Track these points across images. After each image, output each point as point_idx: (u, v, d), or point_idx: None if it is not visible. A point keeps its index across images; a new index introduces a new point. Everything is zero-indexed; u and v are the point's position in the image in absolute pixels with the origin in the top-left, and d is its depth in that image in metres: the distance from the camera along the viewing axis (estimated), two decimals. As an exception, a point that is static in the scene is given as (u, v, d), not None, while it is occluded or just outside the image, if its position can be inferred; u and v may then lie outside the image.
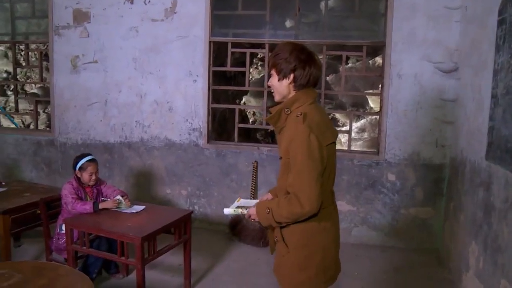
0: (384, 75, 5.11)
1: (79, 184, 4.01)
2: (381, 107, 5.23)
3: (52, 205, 4.13)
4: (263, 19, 5.43)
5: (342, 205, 5.21)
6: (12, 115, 9.42)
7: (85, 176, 3.99)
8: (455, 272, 4.33)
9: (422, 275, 4.58)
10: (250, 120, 10.10)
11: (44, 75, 6.60)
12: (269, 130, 7.93)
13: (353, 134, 6.93)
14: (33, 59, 9.65)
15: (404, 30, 4.96)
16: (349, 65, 9.85)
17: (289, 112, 2.25)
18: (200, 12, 5.40)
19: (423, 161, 5.11)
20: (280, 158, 2.28)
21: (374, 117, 9.03)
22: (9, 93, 10.47)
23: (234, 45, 5.53)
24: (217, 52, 5.71)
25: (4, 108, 8.15)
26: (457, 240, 4.36)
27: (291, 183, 2.16)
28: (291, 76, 2.25)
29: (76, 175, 4.02)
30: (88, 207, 3.78)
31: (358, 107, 9.78)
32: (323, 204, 2.21)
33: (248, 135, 8.21)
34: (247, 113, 9.95)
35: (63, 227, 3.83)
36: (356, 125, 9.57)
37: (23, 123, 10.00)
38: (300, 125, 2.14)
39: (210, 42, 5.43)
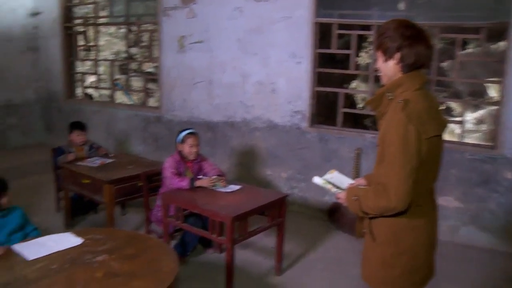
0: (507, 60, 4.58)
1: (181, 158, 4.09)
2: (501, 97, 4.71)
3: (153, 179, 4.28)
4: (371, -1, 5.14)
5: (449, 201, 4.80)
6: (130, 92, 10.03)
7: (185, 149, 4.06)
8: None
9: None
10: (359, 106, 9.76)
11: (156, 54, 6.87)
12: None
13: (469, 125, 6.36)
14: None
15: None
16: (469, 50, 9.09)
17: (391, 97, 2.04)
18: (305, -8, 5.24)
19: (548, 158, 4.53)
20: (377, 145, 2.09)
21: (495, 107, 8.25)
22: (129, 71, 11.11)
23: (341, 26, 5.29)
24: (324, 34, 5.51)
25: (123, 85, 8.68)
26: None
27: (381, 174, 1.99)
28: (397, 55, 2.03)
29: (178, 148, 4.10)
30: (185, 183, 3.85)
31: (476, 96, 9.01)
32: (417, 201, 2.00)
33: (356, 121, 7.92)
34: (355, 98, 9.63)
35: None
36: (473, 115, 8.83)
37: (141, 100, 10.58)
38: (398, 113, 1.93)
39: (314, 23, 5.25)
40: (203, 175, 4.13)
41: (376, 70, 2.20)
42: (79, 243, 2.75)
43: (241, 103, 5.81)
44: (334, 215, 5.20)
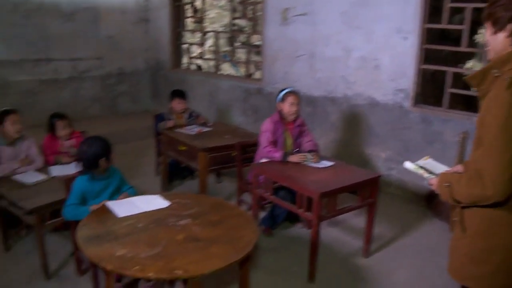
0: None
1: (280, 118, 4.05)
2: None
3: (248, 149, 4.34)
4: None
5: None
6: (236, 64, 10.23)
7: (285, 107, 4.01)
8: None
9: None
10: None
11: (261, 27, 6.89)
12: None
13: None
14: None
15: None
16: None
17: (498, 74, 1.80)
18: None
19: None
20: (476, 128, 1.91)
21: None
22: (236, 44, 11.30)
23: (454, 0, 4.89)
24: (435, 8, 5.14)
25: (230, 57, 8.86)
26: None
27: (477, 159, 1.82)
28: (509, 26, 1.80)
29: (278, 108, 4.08)
30: (277, 155, 3.86)
31: None
32: None
33: (467, 104, 7.38)
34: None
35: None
36: None
37: (246, 72, 10.75)
38: (502, 92, 1.74)
39: (425, -5, 4.93)
40: (301, 142, 4.12)
41: (485, 43, 1.97)
42: (166, 206, 2.88)
43: (343, 78, 5.67)
44: (432, 201, 4.95)
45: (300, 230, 4.36)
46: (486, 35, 1.92)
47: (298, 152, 4.00)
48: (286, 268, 3.71)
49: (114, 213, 2.74)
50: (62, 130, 4.19)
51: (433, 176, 2.14)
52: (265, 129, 3.98)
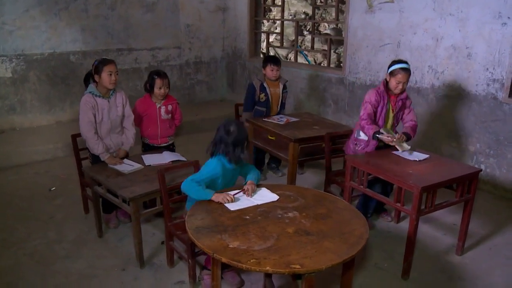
0: None
1: (385, 89, 3.92)
2: None
3: (336, 141, 4.26)
4: None
5: None
6: (306, 52, 10.10)
7: (392, 83, 3.85)
8: None
9: None
10: None
11: (339, 15, 6.72)
12: None
13: None
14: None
15: None
16: None
17: None
18: None
19: None
20: None
21: None
22: (305, 33, 11.17)
23: None
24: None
25: (300, 46, 8.77)
26: None
27: None
28: None
29: (386, 78, 3.93)
30: (370, 131, 3.75)
31: None
32: None
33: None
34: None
35: (360, 133, 3.98)
36: None
37: (314, 61, 10.63)
38: None
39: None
40: (401, 117, 4.03)
41: None
42: (276, 199, 2.83)
43: (430, 68, 5.44)
44: (526, 198, 4.70)
45: (388, 223, 4.24)
46: None
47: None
48: (377, 264, 3.61)
49: (226, 207, 2.71)
50: (160, 88, 4.22)
51: None
52: (368, 100, 3.87)
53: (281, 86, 5.18)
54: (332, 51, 10.27)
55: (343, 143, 4.22)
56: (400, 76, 3.78)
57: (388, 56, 5.79)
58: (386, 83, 3.91)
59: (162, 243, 3.75)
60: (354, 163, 3.67)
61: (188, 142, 6.11)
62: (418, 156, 3.73)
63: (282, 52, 10.60)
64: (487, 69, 4.97)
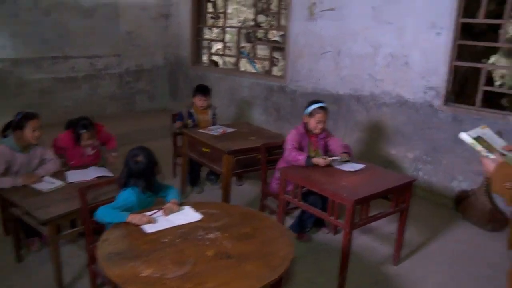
0: None
1: (305, 131, 3.91)
2: None
3: (273, 152, 4.17)
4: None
5: None
6: (254, 60, 10.03)
7: (311, 123, 3.86)
8: None
9: None
10: (497, 83, 8.82)
11: (283, 23, 6.68)
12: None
13: None
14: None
15: None
16: None
17: None
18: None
19: None
20: None
21: None
22: (253, 40, 11.11)
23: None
24: (468, 2, 4.91)
25: (248, 53, 8.66)
26: None
27: None
28: None
29: (304, 120, 3.92)
30: (301, 158, 3.68)
31: None
32: None
33: (491, 100, 7.12)
34: (493, 75, 8.69)
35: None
36: None
37: (264, 69, 10.58)
38: None
39: (461, -13, 4.71)
40: (330, 152, 3.96)
41: None
42: (198, 219, 2.68)
43: (370, 76, 5.47)
44: (461, 203, 4.77)
45: (325, 236, 4.19)
46: None
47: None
48: (311, 279, 3.53)
49: (142, 229, 2.53)
50: (86, 140, 3.96)
51: (491, 155, 1.88)
52: (290, 139, 3.84)
53: (210, 113, 5.19)
54: (281, 58, 10.28)
55: (280, 154, 4.13)
56: (319, 116, 3.81)
57: (329, 64, 5.79)
58: (305, 124, 3.90)
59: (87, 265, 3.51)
60: (287, 176, 3.59)
61: (123, 155, 5.83)
62: (354, 166, 3.68)
63: (230, 60, 10.50)
64: (424, 77, 5.04)
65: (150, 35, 8.09)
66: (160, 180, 3.03)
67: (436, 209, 4.94)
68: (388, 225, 4.25)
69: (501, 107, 7.69)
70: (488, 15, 4.95)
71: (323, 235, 4.20)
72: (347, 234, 3.15)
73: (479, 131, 1.99)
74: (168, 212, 2.72)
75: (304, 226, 3.99)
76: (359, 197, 3.11)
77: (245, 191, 5.14)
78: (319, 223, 4.23)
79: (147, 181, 2.84)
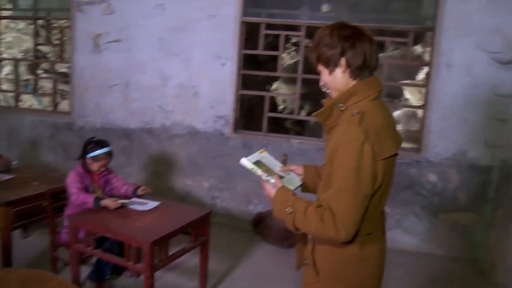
0: (431, 65, 4.60)
1: (84, 170, 3.66)
2: (425, 100, 4.72)
3: (60, 197, 3.77)
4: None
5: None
6: (39, 95, 9.16)
7: (94, 166, 3.64)
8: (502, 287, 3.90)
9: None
10: (280, 108, 9.64)
11: (68, 54, 6.24)
12: (299, 120, 7.41)
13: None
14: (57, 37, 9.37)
15: (457, 14, 4.43)
16: (388, 53, 9.20)
17: (343, 108, 1.77)
18: (231, -11, 4.96)
19: (469, 161, 4.62)
20: (324, 164, 1.80)
21: (408, 109, 8.35)
22: (39, 71, 10.20)
23: (268, 26, 5.06)
24: (248, 34, 5.25)
25: (33, 87, 7.83)
26: (505, 252, 3.94)
27: (327, 199, 1.69)
28: (342, 61, 1.77)
29: (86, 161, 3.66)
30: (89, 200, 3.41)
31: (393, 98, 9.15)
32: (369, 228, 1.78)
33: (276, 123, 7.74)
34: (276, 100, 9.49)
35: None
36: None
37: (51, 104, 9.72)
38: (353, 128, 1.66)
39: (242, 22, 4.99)
40: (112, 190, 3.76)
41: (323, 86, 1.90)
42: None
43: (160, 108, 5.41)
44: (258, 225, 4.99)
45: (128, 280, 3.94)
46: (323, 77, 1.86)
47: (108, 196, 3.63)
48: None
49: None
50: None
51: (271, 179, 1.92)
52: (71, 182, 3.54)
53: None
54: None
55: (68, 199, 3.76)
56: (104, 161, 3.68)
57: (117, 96, 5.56)
58: (83, 163, 3.69)
59: None
60: (78, 222, 3.27)
61: None
62: (148, 205, 3.53)
63: (11, 94, 9.39)
64: (213, 106, 5.18)
65: None
66: None
67: (236, 234, 5.07)
68: (192, 258, 4.18)
69: (286, 130, 8.40)
70: (267, 47, 5.36)
71: (126, 280, 3.93)
72: (148, 278, 2.98)
73: (258, 155, 2.05)
74: None
75: (103, 274, 3.67)
76: (156, 238, 2.97)
77: (33, 243, 4.51)
78: (120, 267, 3.96)
79: None
